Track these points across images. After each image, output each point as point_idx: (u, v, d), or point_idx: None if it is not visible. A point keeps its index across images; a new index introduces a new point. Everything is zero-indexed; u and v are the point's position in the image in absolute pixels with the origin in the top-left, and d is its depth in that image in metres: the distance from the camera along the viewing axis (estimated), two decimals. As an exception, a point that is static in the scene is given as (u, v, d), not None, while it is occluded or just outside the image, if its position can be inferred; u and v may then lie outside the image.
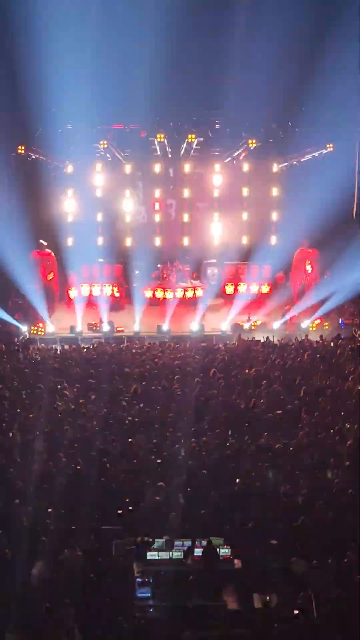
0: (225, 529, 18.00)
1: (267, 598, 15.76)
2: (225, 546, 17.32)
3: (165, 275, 46.61)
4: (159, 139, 43.87)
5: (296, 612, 15.20)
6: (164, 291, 45.12)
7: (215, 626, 15.40)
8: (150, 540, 17.41)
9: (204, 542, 17.25)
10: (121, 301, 45.26)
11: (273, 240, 48.47)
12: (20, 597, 15.38)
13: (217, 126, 45.78)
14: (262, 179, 48.49)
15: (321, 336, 36.65)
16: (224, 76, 41.09)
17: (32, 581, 16.17)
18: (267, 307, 43.48)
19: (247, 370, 29.74)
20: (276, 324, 41.12)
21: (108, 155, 46.08)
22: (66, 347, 35.31)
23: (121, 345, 36.01)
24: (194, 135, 43.52)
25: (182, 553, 17.14)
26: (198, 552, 17.16)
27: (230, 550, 17.29)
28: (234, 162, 47.76)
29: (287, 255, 46.41)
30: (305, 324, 40.43)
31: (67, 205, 47.43)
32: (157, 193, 48.27)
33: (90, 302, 44.25)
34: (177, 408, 25.08)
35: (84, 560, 16.48)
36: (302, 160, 45.17)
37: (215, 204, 48.60)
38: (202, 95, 43.67)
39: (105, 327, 40.10)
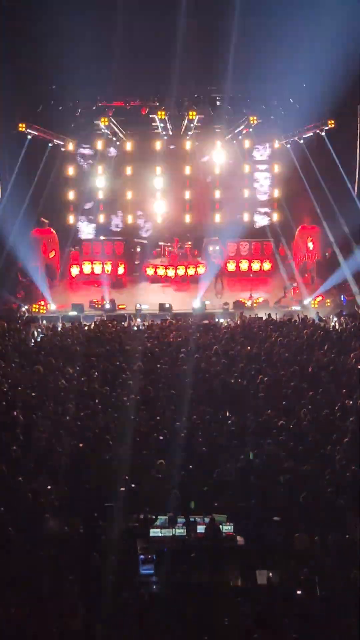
0: (228, 505, 18.03)
1: (270, 575, 15.80)
2: (228, 523, 17.37)
3: (166, 253, 46.60)
4: (160, 116, 43.72)
5: (299, 592, 15.26)
6: (166, 269, 45.14)
7: (218, 603, 15.45)
8: (153, 517, 17.46)
9: (207, 519, 17.31)
10: (123, 279, 45.27)
11: (275, 217, 48.53)
12: (24, 573, 15.45)
13: (218, 103, 45.59)
14: (264, 155, 48.56)
15: (317, 313, 36.70)
16: (225, 52, 40.89)
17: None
18: (269, 284, 43.51)
19: (249, 348, 29.73)
20: (278, 301, 41.12)
21: (109, 132, 45.95)
22: (68, 325, 35.30)
23: (123, 323, 36.04)
24: (194, 112, 43.33)
25: (185, 530, 17.18)
26: (201, 529, 17.22)
27: (233, 526, 17.34)
28: (235, 139, 47.69)
29: (289, 233, 46.48)
30: (307, 300, 40.42)
31: (69, 183, 47.44)
32: (158, 170, 48.21)
33: (92, 280, 44.28)
34: (179, 385, 25.10)
35: (87, 537, 16.54)
36: (304, 136, 45.02)
37: (217, 181, 48.62)
38: (203, 71, 43.46)
39: (107, 305, 40.09)
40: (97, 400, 23.78)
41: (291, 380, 25.67)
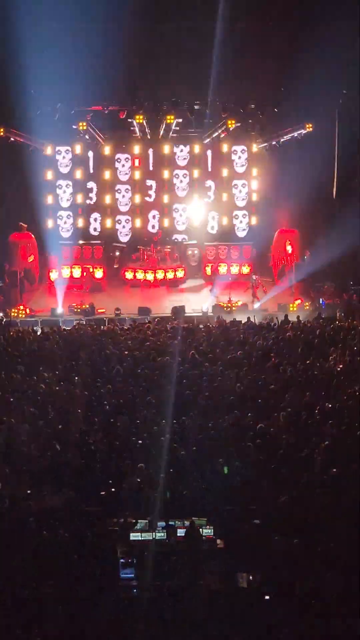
0: (208, 508, 18.04)
1: (251, 577, 15.82)
2: (208, 526, 17.37)
3: (145, 257, 46.60)
4: (137, 120, 43.73)
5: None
6: (145, 272, 45.13)
7: (198, 606, 15.46)
8: (133, 521, 17.46)
9: (187, 522, 17.31)
10: (102, 283, 45.25)
11: (253, 220, 48.63)
12: (3, 578, 15.41)
13: (196, 107, 45.61)
14: (242, 159, 48.69)
15: (298, 317, 36.78)
16: (203, 56, 40.94)
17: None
18: (248, 288, 43.52)
19: (229, 350, 29.75)
20: (257, 305, 41.19)
21: (87, 136, 45.94)
22: (47, 329, 35.25)
23: (102, 327, 36.00)
24: (172, 116, 43.37)
25: (165, 534, 17.18)
26: (181, 532, 17.22)
27: (213, 530, 17.35)
28: (214, 142, 47.77)
29: (267, 236, 46.57)
30: (286, 304, 40.50)
31: (47, 187, 47.41)
32: (137, 174, 48.27)
33: (71, 284, 44.23)
34: (158, 389, 25.10)
35: (66, 542, 16.51)
36: (282, 140, 45.11)
37: (195, 185, 48.68)
38: (181, 75, 43.50)
39: (87, 309, 40.06)
40: (76, 404, 23.77)
41: (270, 384, 25.73)
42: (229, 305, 40.71)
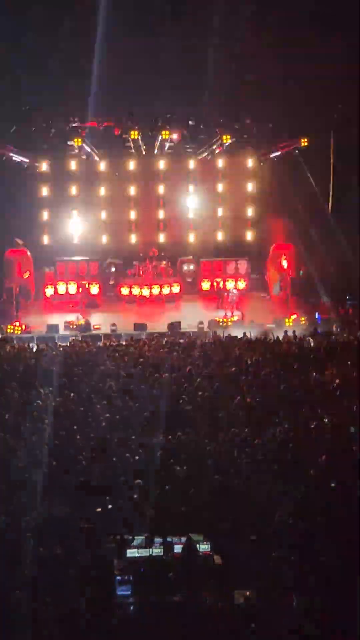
0: (205, 525, 17.94)
1: (248, 594, 15.72)
2: (205, 542, 17.27)
3: (141, 272, 46.61)
4: (132, 136, 43.77)
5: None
6: (141, 288, 45.13)
7: (195, 623, 15.35)
8: (130, 537, 17.35)
9: (184, 539, 17.21)
10: (98, 299, 45.22)
11: (249, 235, 48.68)
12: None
13: (191, 122, 45.72)
14: (238, 174, 48.77)
15: (294, 332, 36.74)
16: (198, 72, 41.04)
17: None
18: (244, 303, 43.53)
19: (225, 366, 29.69)
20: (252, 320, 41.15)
21: (82, 152, 45.98)
22: (43, 345, 35.18)
23: (98, 343, 35.92)
24: (167, 132, 43.45)
25: (162, 550, 17.07)
26: (178, 548, 17.11)
27: (210, 546, 17.25)
28: (209, 158, 47.83)
29: (263, 251, 46.62)
30: (282, 319, 40.44)
31: (42, 203, 47.44)
32: (132, 190, 48.30)
33: (67, 300, 44.22)
34: (154, 404, 25.03)
35: (62, 558, 16.42)
36: (277, 155, 45.18)
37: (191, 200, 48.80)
38: (175, 91, 43.58)
39: (82, 325, 40.00)
40: (72, 420, 23.70)
41: (267, 399, 25.66)
42: (225, 320, 40.65)
